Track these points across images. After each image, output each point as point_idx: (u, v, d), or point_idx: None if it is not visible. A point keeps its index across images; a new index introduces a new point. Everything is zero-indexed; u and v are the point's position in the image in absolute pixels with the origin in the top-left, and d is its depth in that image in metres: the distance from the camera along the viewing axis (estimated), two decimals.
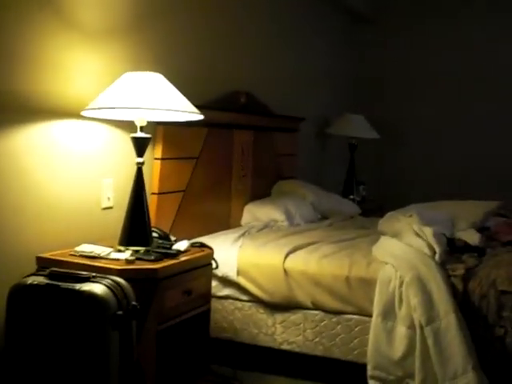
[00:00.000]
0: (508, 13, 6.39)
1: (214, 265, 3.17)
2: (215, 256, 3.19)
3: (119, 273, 2.57)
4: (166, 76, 2.97)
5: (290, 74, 5.40)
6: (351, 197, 5.88)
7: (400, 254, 3.29)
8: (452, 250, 3.51)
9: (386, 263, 3.24)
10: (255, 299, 3.47)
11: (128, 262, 2.73)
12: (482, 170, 6.48)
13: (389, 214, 4.14)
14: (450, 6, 6.59)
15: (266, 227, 4.16)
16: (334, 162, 6.37)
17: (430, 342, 2.99)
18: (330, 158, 6.34)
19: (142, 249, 2.85)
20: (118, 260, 2.75)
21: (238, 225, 4.28)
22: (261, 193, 4.67)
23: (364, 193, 6.24)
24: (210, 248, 3.19)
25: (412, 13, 6.78)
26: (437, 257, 3.26)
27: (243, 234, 3.85)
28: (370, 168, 6.73)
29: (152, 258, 2.79)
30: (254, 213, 4.33)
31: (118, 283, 2.41)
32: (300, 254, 3.48)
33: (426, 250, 3.30)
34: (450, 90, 6.64)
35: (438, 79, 6.67)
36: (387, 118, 6.70)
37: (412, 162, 6.79)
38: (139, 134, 2.90)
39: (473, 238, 3.76)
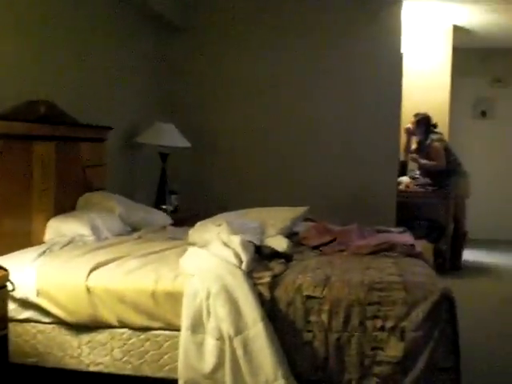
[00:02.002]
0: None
1: (10, 287, 2.97)
2: (12, 277, 2.99)
3: None
4: None
5: (96, 82, 5.22)
6: (163, 207, 5.80)
7: (206, 265, 3.23)
8: (261, 258, 3.51)
9: (193, 275, 3.17)
10: (58, 320, 3.29)
11: None
12: (293, 175, 6.63)
13: (199, 223, 4.11)
14: (252, 15, 6.74)
15: (71, 243, 3.94)
16: (146, 171, 6.24)
17: (239, 352, 2.97)
18: (141, 167, 6.20)
19: None
20: None
21: (40, 242, 4.01)
22: (66, 207, 4.43)
23: (177, 202, 6.18)
24: (5, 269, 2.97)
25: (223, 21, 6.82)
26: (244, 266, 3.24)
27: (44, 252, 3.62)
28: (183, 177, 6.68)
29: None
30: (58, 228, 4.08)
31: None
32: (104, 270, 3.33)
33: (233, 260, 3.26)
34: (263, 97, 6.75)
35: (248, 86, 6.77)
36: (199, 126, 6.70)
37: (225, 169, 6.83)
38: None
39: (281, 244, 3.81)
